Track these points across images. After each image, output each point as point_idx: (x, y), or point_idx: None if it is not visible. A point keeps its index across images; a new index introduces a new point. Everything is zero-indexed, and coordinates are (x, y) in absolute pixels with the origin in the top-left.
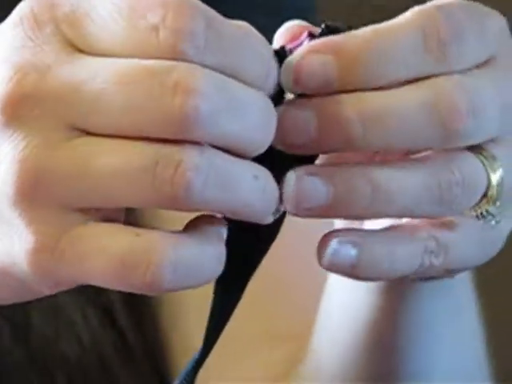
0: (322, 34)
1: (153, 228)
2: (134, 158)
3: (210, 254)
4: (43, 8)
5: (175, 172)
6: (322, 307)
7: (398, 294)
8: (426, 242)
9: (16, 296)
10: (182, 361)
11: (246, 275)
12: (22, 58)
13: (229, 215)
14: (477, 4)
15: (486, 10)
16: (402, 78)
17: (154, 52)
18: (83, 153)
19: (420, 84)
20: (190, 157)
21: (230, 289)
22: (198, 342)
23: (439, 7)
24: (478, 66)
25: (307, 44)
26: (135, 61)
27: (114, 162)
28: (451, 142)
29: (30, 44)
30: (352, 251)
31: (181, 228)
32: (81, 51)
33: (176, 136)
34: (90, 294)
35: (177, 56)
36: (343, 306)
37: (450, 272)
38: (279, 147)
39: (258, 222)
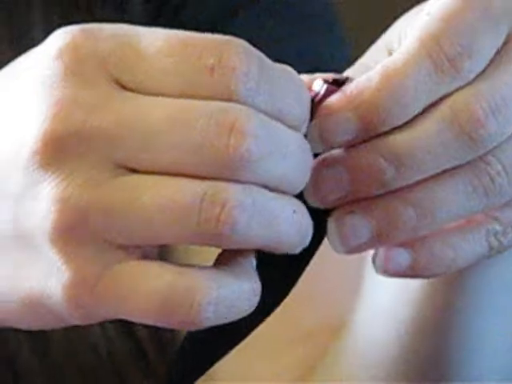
0: (333, 81)
1: (191, 265)
2: (180, 194)
3: (247, 289)
4: (86, 41)
5: (221, 210)
6: (362, 301)
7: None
8: (487, 226)
9: (43, 324)
10: None
11: (280, 298)
12: (63, 94)
13: (267, 250)
14: None
15: None
16: (422, 107)
17: (207, 92)
18: (128, 190)
19: (437, 106)
20: (235, 195)
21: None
22: None
23: (436, 20)
24: (497, 53)
25: (327, 101)
26: (189, 101)
27: (159, 199)
28: (480, 148)
29: (72, 79)
30: (404, 253)
31: (208, 258)
32: (127, 88)
33: (226, 176)
34: None
35: (230, 97)
36: (391, 292)
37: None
38: (314, 204)
39: (290, 252)
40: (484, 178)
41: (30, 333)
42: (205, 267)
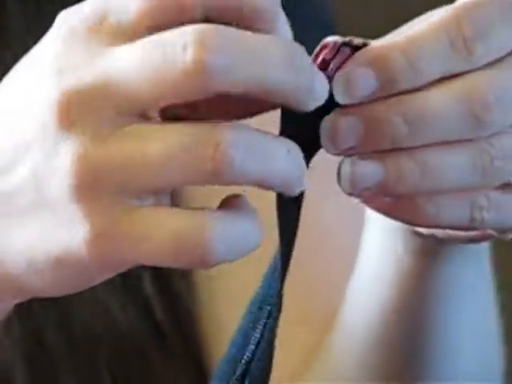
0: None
1: (200, 208)
2: (176, 141)
3: (252, 227)
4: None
5: (217, 149)
6: (350, 288)
7: (432, 258)
8: (474, 198)
9: (72, 287)
10: (215, 346)
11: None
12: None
13: (265, 187)
14: None
15: None
16: (437, 77)
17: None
18: (133, 142)
19: (453, 81)
20: (227, 135)
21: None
22: (229, 327)
23: (462, 5)
24: (509, 53)
25: (352, 58)
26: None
27: (161, 148)
28: (484, 131)
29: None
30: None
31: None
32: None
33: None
34: (129, 288)
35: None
36: (374, 276)
37: (503, 232)
38: (330, 152)
39: (289, 193)
40: (485, 158)
41: (55, 308)
42: (212, 209)
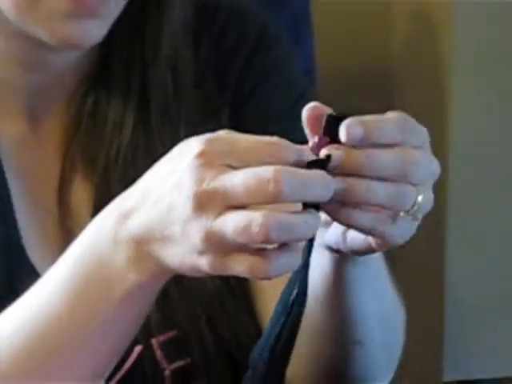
0: (329, 122)
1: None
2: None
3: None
4: (212, 146)
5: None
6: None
7: (345, 264)
8: (377, 216)
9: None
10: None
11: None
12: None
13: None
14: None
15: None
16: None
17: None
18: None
19: (395, 148)
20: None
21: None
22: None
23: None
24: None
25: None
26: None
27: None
28: (408, 178)
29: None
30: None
31: None
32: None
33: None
34: None
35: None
36: (313, 287)
37: (385, 246)
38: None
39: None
40: (399, 189)
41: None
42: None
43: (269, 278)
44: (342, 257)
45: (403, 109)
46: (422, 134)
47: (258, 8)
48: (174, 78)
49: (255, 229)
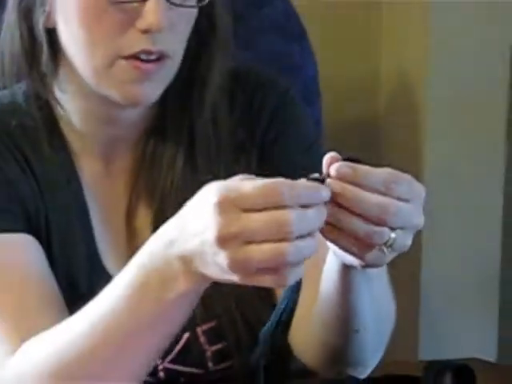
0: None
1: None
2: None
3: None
4: (228, 193)
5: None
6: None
7: (349, 270)
8: (353, 242)
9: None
10: None
11: None
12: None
13: None
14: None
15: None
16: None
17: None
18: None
19: (381, 197)
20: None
21: None
22: None
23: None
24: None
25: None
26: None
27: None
28: (386, 224)
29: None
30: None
31: None
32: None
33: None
34: None
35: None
36: (324, 278)
37: (365, 267)
38: None
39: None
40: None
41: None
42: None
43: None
44: (346, 267)
45: (388, 152)
46: (411, 190)
47: (280, 75)
48: (214, 128)
49: (283, 257)
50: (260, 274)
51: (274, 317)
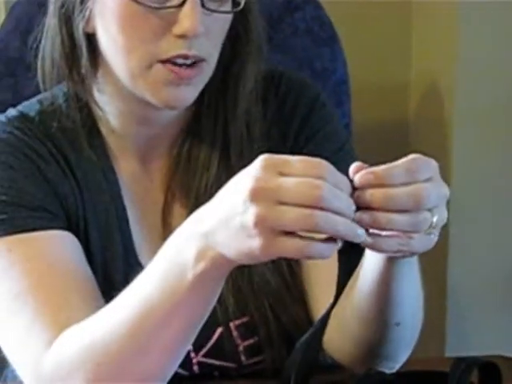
0: None
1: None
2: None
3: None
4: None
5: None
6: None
7: (391, 263)
8: (398, 240)
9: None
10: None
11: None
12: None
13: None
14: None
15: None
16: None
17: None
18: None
19: (409, 187)
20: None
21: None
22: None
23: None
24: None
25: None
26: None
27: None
28: (422, 208)
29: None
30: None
31: None
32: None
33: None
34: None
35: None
36: (363, 272)
37: (413, 254)
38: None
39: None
40: (419, 217)
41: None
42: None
43: (312, 258)
44: (389, 258)
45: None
46: (430, 167)
47: (311, 78)
48: (248, 129)
49: (312, 220)
50: (284, 238)
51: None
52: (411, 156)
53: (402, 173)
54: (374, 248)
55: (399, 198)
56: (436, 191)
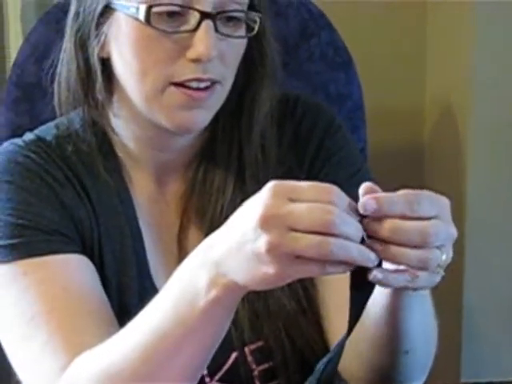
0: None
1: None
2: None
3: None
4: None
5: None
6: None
7: (398, 295)
8: (406, 275)
9: (267, 286)
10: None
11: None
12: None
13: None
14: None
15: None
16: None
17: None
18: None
19: (416, 221)
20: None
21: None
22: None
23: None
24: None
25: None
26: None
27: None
28: (428, 244)
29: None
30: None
31: None
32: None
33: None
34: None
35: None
36: (373, 303)
37: (417, 290)
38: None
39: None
40: (429, 256)
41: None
42: None
43: (330, 274)
44: (395, 289)
45: (432, 179)
46: (436, 205)
47: (327, 103)
48: (263, 153)
49: (327, 247)
50: (298, 261)
51: (323, 362)
52: (412, 190)
53: (401, 203)
54: (380, 283)
55: (406, 231)
56: (441, 230)
